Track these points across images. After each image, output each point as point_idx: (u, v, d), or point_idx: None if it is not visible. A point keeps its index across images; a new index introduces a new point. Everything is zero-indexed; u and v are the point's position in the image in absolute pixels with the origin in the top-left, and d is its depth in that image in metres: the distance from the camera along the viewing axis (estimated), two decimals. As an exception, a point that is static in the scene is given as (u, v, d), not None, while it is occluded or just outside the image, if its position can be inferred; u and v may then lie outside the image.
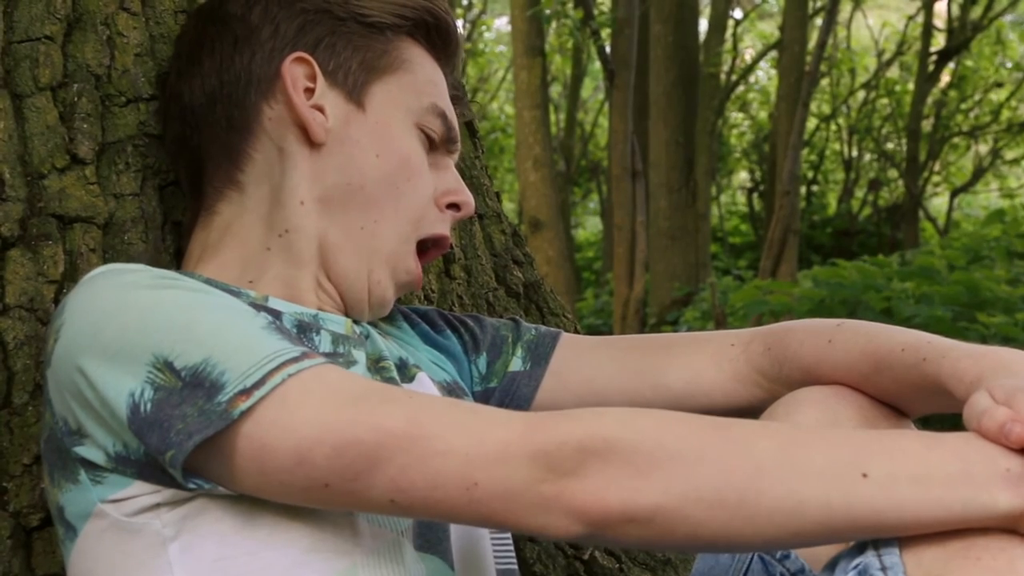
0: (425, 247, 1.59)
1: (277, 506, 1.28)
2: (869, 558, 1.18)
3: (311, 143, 1.52)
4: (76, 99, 1.64)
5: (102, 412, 1.23)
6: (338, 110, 1.53)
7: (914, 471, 1.14)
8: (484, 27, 19.78)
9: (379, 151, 1.52)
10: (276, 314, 1.44)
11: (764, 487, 1.14)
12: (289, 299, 1.49)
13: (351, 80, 1.54)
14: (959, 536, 1.15)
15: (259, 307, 1.42)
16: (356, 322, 1.57)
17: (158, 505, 1.26)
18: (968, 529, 1.15)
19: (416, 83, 1.57)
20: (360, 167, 1.52)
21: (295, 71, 1.52)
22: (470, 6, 18.21)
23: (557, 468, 1.16)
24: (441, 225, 1.58)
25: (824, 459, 1.16)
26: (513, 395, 1.67)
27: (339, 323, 1.51)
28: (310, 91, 1.52)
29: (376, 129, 1.53)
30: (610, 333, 10.65)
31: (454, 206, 1.60)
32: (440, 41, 1.63)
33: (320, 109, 1.52)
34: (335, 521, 1.31)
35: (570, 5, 11.20)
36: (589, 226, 22.68)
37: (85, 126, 1.63)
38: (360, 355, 1.48)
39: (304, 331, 1.44)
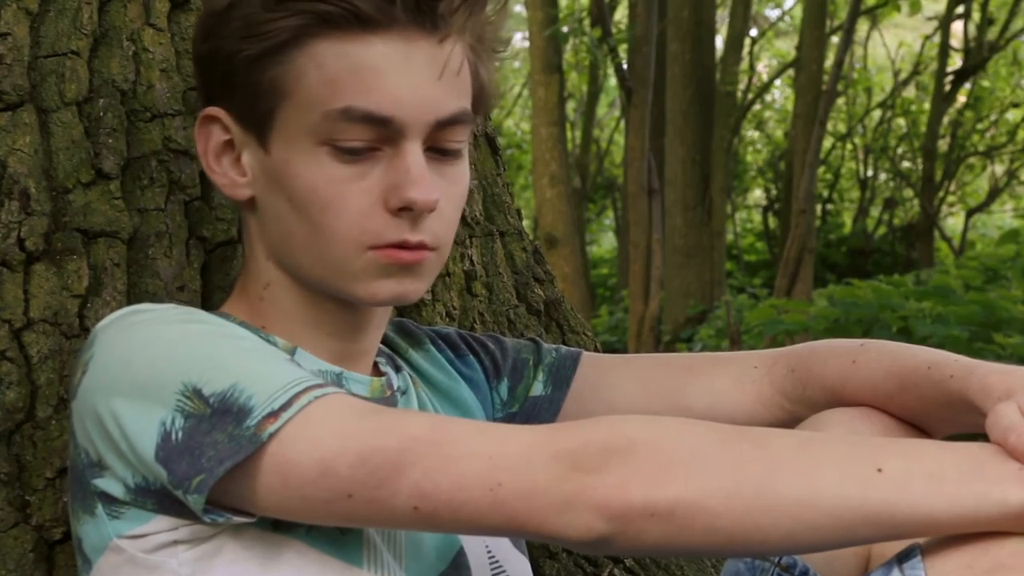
0: None
1: (294, 550, 1.29)
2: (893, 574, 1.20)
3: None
4: (101, 114, 1.65)
5: (122, 446, 1.24)
6: (255, 158, 1.41)
7: (929, 468, 1.17)
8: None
9: (289, 194, 1.38)
10: None
11: (781, 478, 1.17)
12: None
13: (255, 122, 1.39)
14: (986, 555, 1.17)
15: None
16: (398, 370, 1.57)
17: (175, 543, 1.27)
18: (996, 548, 1.17)
19: (312, 96, 1.35)
20: (281, 216, 1.41)
21: (205, 131, 1.43)
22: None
23: (580, 466, 1.17)
24: (395, 231, 1.37)
25: (840, 455, 1.20)
26: (534, 420, 1.66)
27: (363, 383, 1.48)
28: (231, 144, 1.42)
29: (281, 170, 1.38)
30: (625, 350, 10.65)
31: (404, 208, 1.36)
32: (353, 20, 1.34)
33: (239, 161, 1.42)
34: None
35: (587, 22, 11.22)
36: (604, 243, 22.68)
37: (110, 141, 1.64)
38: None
39: None
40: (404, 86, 1.35)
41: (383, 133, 1.35)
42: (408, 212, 1.36)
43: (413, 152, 1.36)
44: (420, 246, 1.38)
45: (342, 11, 1.32)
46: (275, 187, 1.39)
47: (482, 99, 1.47)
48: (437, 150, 1.39)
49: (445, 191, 1.39)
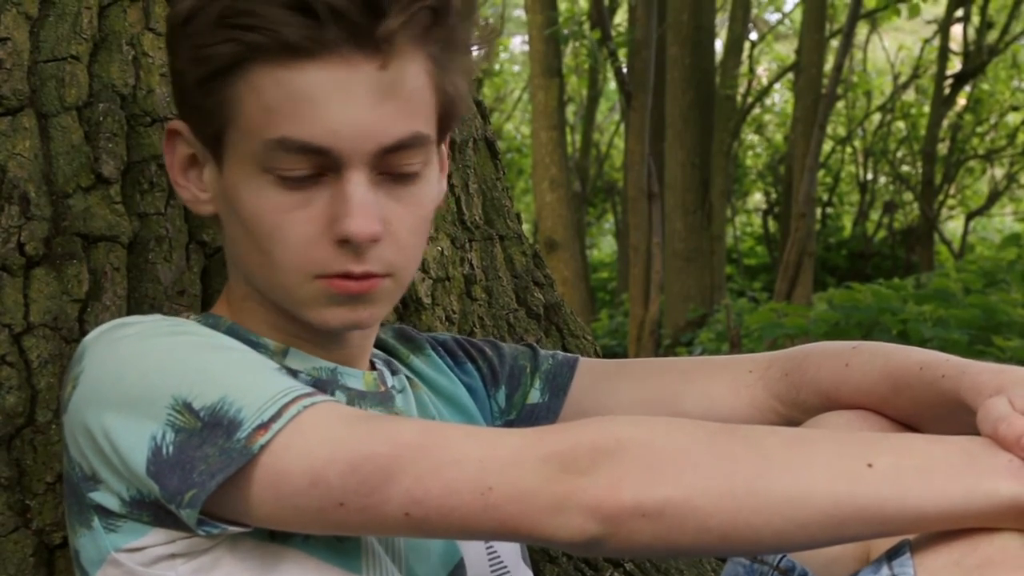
0: None
1: (292, 560, 1.29)
2: (883, 573, 1.20)
3: None
4: (101, 119, 1.65)
5: (114, 460, 1.24)
6: (212, 174, 1.40)
7: (919, 463, 1.18)
8: (500, 47, 19.82)
9: (240, 218, 1.36)
10: (293, 373, 1.40)
11: (771, 476, 1.17)
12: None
13: (209, 142, 1.38)
14: (975, 551, 1.17)
15: (279, 365, 1.38)
16: (395, 372, 1.57)
17: (173, 556, 1.27)
18: (984, 544, 1.17)
19: (251, 123, 1.32)
20: (237, 237, 1.39)
21: (171, 145, 1.43)
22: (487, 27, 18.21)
23: (570, 467, 1.17)
24: (339, 262, 1.34)
25: (830, 452, 1.20)
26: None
27: (357, 377, 1.48)
28: (195, 158, 1.42)
29: (232, 193, 1.36)
30: (625, 354, 10.64)
31: (344, 240, 1.33)
32: (283, 49, 1.29)
33: (203, 176, 1.42)
34: None
35: (587, 26, 11.22)
36: (604, 247, 22.67)
37: (110, 145, 1.64)
38: (379, 413, 1.46)
39: (319, 389, 1.37)
40: (340, 115, 1.30)
41: (323, 161, 1.31)
42: (349, 244, 1.33)
43: (354, 182, 1.32)
44: (366, 276, 1.35)
45: (271, 40, 1.28)
46: (230, 208, 1.38)
47: (452, 112, 1.42)
48: (390, 174, 1.35)
49: (399, 215, 1.36)
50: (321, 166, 1.31)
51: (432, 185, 1.42)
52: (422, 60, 1.35)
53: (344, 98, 1.30)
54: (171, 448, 1.20)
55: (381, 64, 1.30)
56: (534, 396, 1.69)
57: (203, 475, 1.19)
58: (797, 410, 1.58)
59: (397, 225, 1.36)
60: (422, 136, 1.36)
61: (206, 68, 1.32)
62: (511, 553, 1.57)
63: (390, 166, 1.34)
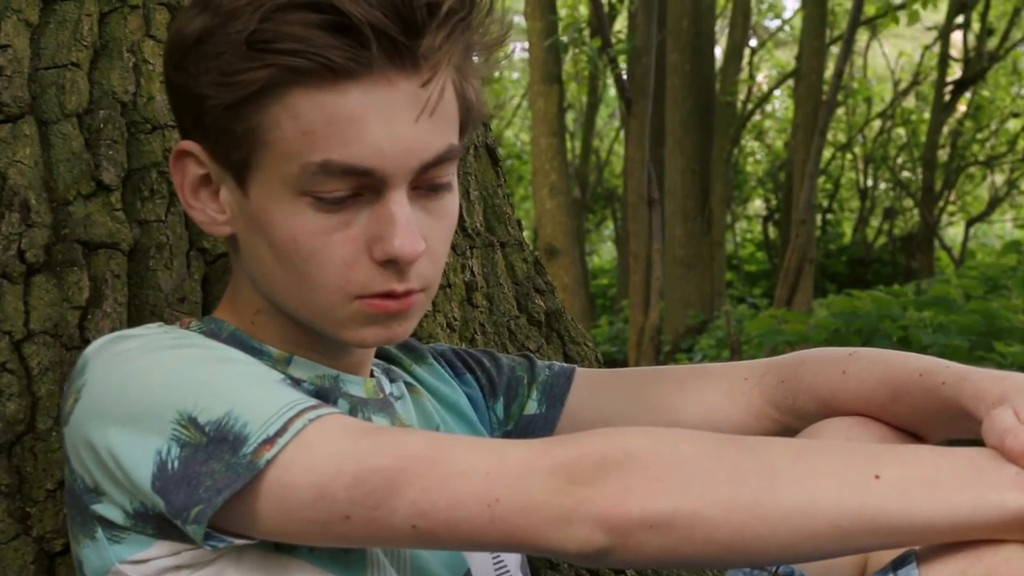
0: None
1: (298, 571, 1.28)
2: None
3: None
4: (102, 126, 1.65)
5: (117, 475, 1.23)
6: (233, 195, 1.35)
7: (926, 474, 1.17)
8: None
9: (269, 240, 1.32)
10: (296, 382, 1.39)
11: (778, 487, 1.16)
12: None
13: (231, 163, 1.32)
14: (980, 561, 1.17)
15: (282, 374, 1.36)
16: (393, 380, 1.56)
17: (178, 568, 1.26)
18: (990, 555, 1.17)
19: (288, 147, 1.27)
20: (262, 258, 1.35)
21: (181, 166, 1.37)
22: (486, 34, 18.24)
23: (577, 478, 1.16)
24: (381, 282, 1.32)
25: (837, 463, 1.19)
26: (529, 438, 1.65)
27: (358, 383, 1.47)
28: (208, 178, 1.36)
29: (260, 216, 1.32)
30: (625, 360, 10.66)
31: (389, 261, 1.30)
32: (327, 72, 1.25)
33: (217, 195, 1.37)
34: None
35: (587, 33, 11.24)
36: (604, 253, 22.69)
37: (111, 153, 1.64)
38: (381, 420, 1.46)
39: (322, 398, 1.37)
40: (384, 134, 1.27)
41: (364, 182, 1.28)
42: (394, 264, 1.31)
43: (397, 201, 1.30)
44: (407, 293, 1.34)
45: (315, 64, 1.23)
46: (255, 230, 1.34)
47: (470, 118, 1.40)
48: (422, 188, 1.33)
49: (433, 229, 1.35)
50: (361, 186, 1.29)
51: (456, 194, 1.40)
52: (451, 71, 1.33)
53: (387, 118, 1.27)
54: (176, 463, 1.19)
55: (421, 81, 1.28)
56: (531, 407, 1.68)
57: (209, 491, 1.18)
58: (793, 417, 1.58)
59: (432, 238, 1.35)
60: (455, 148, 1.34)
61: (237, 93, 1.27)
62: (515, 563, 1.57)
63: (425, 180, 1.32)
